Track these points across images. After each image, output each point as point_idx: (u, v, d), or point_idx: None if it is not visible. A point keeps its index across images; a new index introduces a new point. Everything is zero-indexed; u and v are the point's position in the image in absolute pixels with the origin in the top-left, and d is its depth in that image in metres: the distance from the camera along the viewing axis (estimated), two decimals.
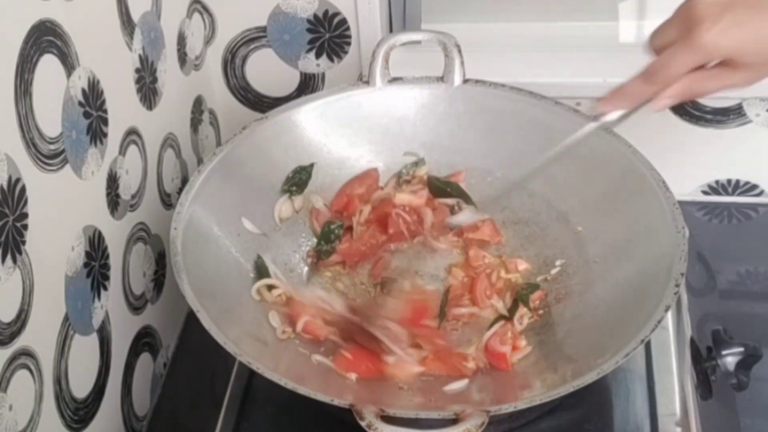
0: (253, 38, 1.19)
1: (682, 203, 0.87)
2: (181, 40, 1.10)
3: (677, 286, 0.78)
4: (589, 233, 0.93)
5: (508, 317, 0.90)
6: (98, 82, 0.88)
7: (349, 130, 1.01)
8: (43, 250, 0.78)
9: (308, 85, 1.22)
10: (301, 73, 1.21)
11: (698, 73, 0.74)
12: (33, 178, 0.76)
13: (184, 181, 1.12)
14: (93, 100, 0.87)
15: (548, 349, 0.86)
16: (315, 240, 0.98)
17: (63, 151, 0.81)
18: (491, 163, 0.99)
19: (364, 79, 1.02)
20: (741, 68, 0.73)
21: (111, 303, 0.92)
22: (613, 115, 0.80)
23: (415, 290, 0.94)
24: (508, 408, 0.71)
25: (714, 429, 0.86)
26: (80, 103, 0.84)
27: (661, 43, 0.75)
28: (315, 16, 1.16)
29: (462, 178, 1.01)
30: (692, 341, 0.90)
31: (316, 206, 0.99)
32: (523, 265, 0.95)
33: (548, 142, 0.92)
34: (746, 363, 0.87)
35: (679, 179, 0.93)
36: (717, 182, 1.23)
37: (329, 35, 1.17)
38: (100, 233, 0.89)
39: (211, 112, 1.23)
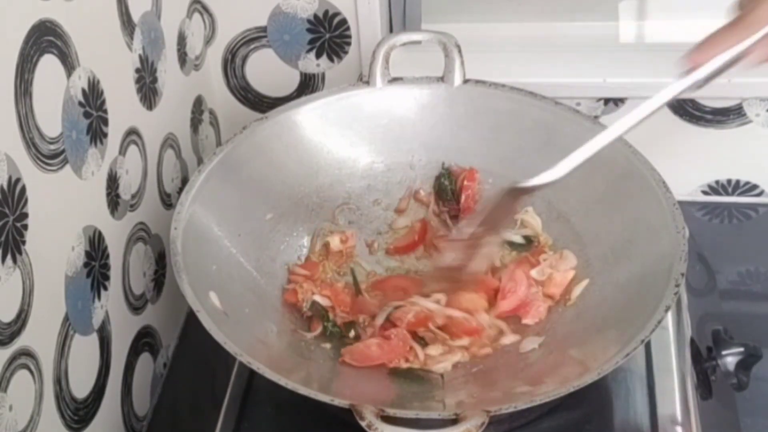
0: (253, 38, 1.19)
1: (682, 203, 0.87)
2: (181, 40, 1.10)
3: (677, 286, 0.78)
4: (589, 233, 0.93)
5: None
6: (98, 82, 0.88)
7: (350, 131, 1.01)
8: (43, 250, 0.78)
9: (308, 85, 1.22)
10: (301, 73, 1.21)
11: None
12: (33, 178, 0.76)
13: (184, 181, 1.12)
14: (93, 100, 0.87)
15: (548, 349, 0.86)
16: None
17: (63, 151, 0.81)
18: (491, 163, 0.99)
19: (364, 79, 1.02)
20: None
21: (111, 303, 0.92)
22: (701, 72, 0.74)
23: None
24: (508, 408, 0.71)
25: (714, 429, 0.86)
26: (80, 103, 0.84)
27: None
28: (315, 16, 1.16)
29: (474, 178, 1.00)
30: (692, 341, 0.90)
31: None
32: None
33: (548, 142, 0.91)
34: (746, 363, 0.87)
35: (679, 179, 0.93)
36: (717, 182, 1.23)
37: (329, 35, 1.17)
38: (100, 233, 0.89)
39: (211, 112, 1.23)
